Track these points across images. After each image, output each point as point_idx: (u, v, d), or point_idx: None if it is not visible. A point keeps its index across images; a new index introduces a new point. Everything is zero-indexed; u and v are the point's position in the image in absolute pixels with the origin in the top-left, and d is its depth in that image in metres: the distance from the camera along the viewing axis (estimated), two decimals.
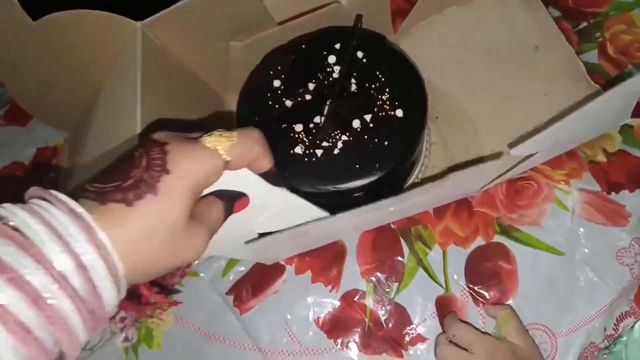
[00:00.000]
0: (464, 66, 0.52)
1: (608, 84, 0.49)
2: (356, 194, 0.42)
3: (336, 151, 0.41)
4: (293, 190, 0.42)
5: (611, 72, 0.50)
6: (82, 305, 0.21)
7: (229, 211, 0.30)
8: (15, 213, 0.21)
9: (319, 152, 0.42)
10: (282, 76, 0.45)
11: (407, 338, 0.44)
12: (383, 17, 0.52)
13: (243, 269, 0.48)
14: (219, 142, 0.27)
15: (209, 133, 0.28)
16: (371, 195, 0.43)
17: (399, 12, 0.56)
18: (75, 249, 0.21)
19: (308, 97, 0.44)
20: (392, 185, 0.45)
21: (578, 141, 0.45)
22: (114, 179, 0.24)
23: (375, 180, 0.41)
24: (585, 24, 0.52)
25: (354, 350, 0.44)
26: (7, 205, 0.21)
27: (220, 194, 0.30)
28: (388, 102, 0.43)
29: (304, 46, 0.47)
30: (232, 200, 0.30)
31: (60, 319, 0.20)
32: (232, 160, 0.27)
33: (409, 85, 0.44)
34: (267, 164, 0.30)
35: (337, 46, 0.45)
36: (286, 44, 0.48)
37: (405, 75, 0.44)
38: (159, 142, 0.26)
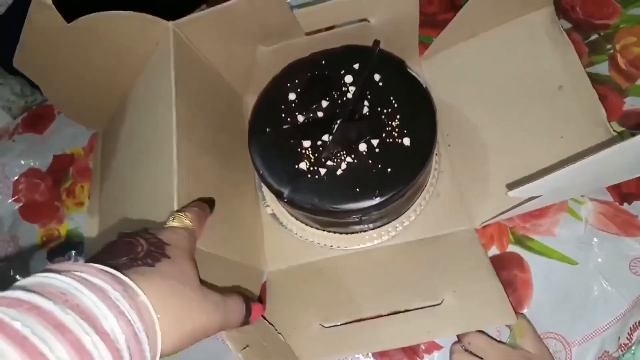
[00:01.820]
0: (485, 96, 0.52)
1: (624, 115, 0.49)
2: (354, 216, 0.43)
3: (339, 172, 0.43)
4: (292, 204, 0.43)
5: (622, 83, 0.50)
6: None
7: (248, 311, 0.32)
8: (59, 279, 0.22)
9: (322, 170, 0.43)
10: (298, 90, 0.47)
11: (422, 346, 0.44)
12: (410, 39, 0.53)
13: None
14: (182, 221, 0.33)
15: (171, 218, 0.33)
16: (369, 218, 0.44)
17: None
18: (115, 306, 0.22)
19: (320, 114, 0.45)
20: (392, 210, 0.46)
21: (588, 188, 0.45)
22: (122, 255, 0.26)
23: (373, 205, 0.41)
24: (595, 36, 0.53)
25: (370, 357, 0.45)
26: (48, 274, 0.22)
27: (243, 294, 0.33)
28: (397, 129, 0.43)
29: (323, 62, 0.48)
30: (251, 301, 0.33)
31: None
32: (194, 232, 0.33)
33: (421, 115, 0.44)
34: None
35: (356, 66, 0.46)
36: (307, 57, 0.49)
37: (419, 104, 0.45)
38: (140, 230, 0.30)
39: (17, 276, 0.54)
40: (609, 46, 0.52)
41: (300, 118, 0.46)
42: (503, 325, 0.43)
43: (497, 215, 0.44)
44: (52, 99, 0.51)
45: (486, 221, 0.46)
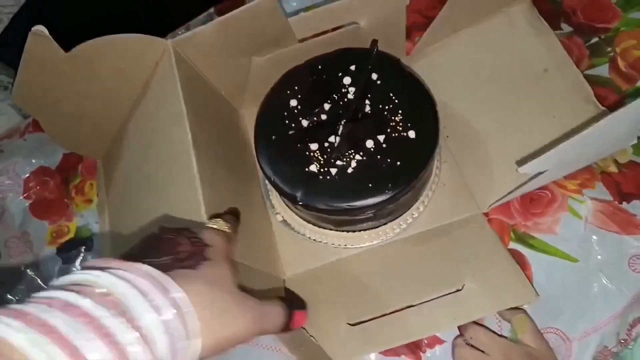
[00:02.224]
0: (475, 87, 0.53)
1: (618, 101, 0.50)
2: (368, 212, 0.44)
3: (350, 170, 0.43)
4: (307, 207, 0.43)
5: (622, 86, 0.51)
6: None
7: (288, 319, 0.31)
8: (106, 280, 0.22)
9: (333, 170, 0.43)
10: (299, 96, 0.47)
11: (425, 340, 0.45)
12: (398, 39, 0.54)
13: None
14: (221, 225, 0.33)
15: (213, 221, 0.33)
16: (382, 213, 0.44)
17: (415, 27, 0.58)
18: (160, 312, 0.22)
19: (323, 117, 0.46)
20: (403, 203, 0.47)
21: (587, 160, 0.46)
22: (165, 253, 0.26)
23: (388, 198, 0.42)
24: (596, 39, 0.53)
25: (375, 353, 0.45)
26: (94, 272, 0.22)
27: (284, 299, 0.32)
28: (401, 124, 0.44)
29: (320, 67, 0.48)
30: (294, 308, 0.32)
31: None
32: (231, 236, 0.33)
33: (422, 108, 0.45)
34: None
35: (353, 68, 0.47)
36: (303, 64, 0.49)
37: (418, 97, 0.46)
38: (182, 228, 0.30)
39: (28, 271, 0.55)
40: (609, 49, 0.53)
41: (305, 122, 0.46)
42: (526, 304, 0.44)
43: (503, 197, 0.45)
44: (51, 132, 0.50)
45: (493, 203, 0.47)
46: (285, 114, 0.47)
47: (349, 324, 0.45)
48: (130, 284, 0.22)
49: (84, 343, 0.19)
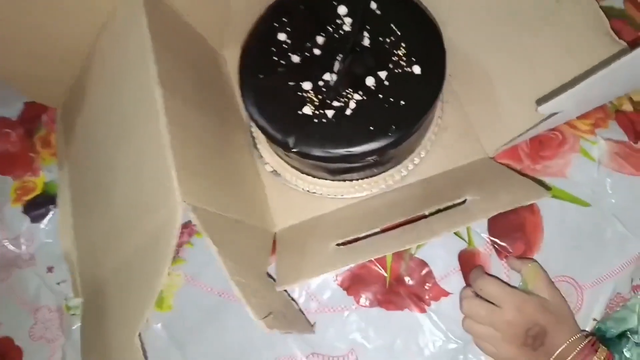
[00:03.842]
0: (482, 23, 0.49)
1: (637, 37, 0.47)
2: (369, 158, 0.41)
3: (348, 111, 0.40)
4: (301, 154, 0.40)
5: (637, 18, 0.48)
6: None
7: None
8: None
9: (329, 112, 0.40)
10: (288, 29, 0.44)
11: (429, 293, 0.43)
12: None
13: None
14: None
15: None
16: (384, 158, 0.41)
17: None
18: None
19: (317, 52, 0.43)
20: (405, 148, 0.44)
21: (604, 99, 0.43)
22: None
23: (391, 142, 0.39)
24: None
25: (374, 306, 0.43)
26: None
27: None
28: (404, 58, 0.41)
29: None
30: None
31: None
32: None
33: (427, 40, 0.42)
34: None
35: None
36: None
37: (423, 28, 0.43)
38: None
39: None
40: None
41: (296, 58, 0.43)
42: (539, 200, 0.42)
43: (512, 140, 0.42)
44: (5, 76, 0.46)
45: (501, 147, 0.45)
46: (274, 49, 0.43)
47: (338, 244, 0.42)
48: None
49: None
